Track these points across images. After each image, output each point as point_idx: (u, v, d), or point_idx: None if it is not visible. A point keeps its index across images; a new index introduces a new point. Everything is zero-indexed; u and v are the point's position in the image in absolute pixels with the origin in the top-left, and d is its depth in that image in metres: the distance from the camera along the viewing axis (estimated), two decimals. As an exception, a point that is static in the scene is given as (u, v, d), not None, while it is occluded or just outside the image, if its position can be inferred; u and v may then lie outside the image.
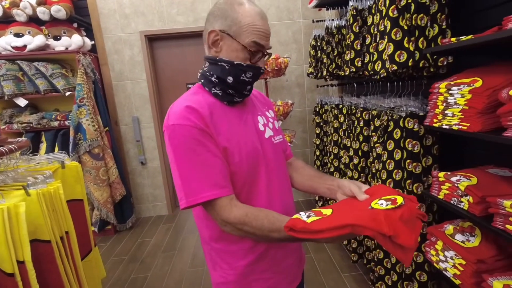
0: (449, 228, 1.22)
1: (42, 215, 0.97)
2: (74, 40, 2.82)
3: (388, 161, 1.57)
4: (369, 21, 1.68)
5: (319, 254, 2.42)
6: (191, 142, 0.70)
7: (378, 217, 0.56)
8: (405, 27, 1.34)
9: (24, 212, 0.88)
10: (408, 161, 1.47)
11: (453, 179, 1.13)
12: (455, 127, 1.09)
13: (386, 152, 1.60)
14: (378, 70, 1.49)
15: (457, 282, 1.11)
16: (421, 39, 1.34)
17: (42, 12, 2.70)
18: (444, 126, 1.16)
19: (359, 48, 1.83)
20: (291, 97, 3.32)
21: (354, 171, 2.03)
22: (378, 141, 1.70)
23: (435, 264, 1.24)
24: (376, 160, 1.72)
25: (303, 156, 3.49)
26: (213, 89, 0.79)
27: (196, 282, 2.20)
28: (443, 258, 1.18)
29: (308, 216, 0.61)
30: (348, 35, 1.89)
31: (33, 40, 2.69)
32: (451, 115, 1.12)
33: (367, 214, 0.58)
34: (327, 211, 0.63)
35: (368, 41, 1.70)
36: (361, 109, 1.96)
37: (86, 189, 2.75)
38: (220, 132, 0.74)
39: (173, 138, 0.71)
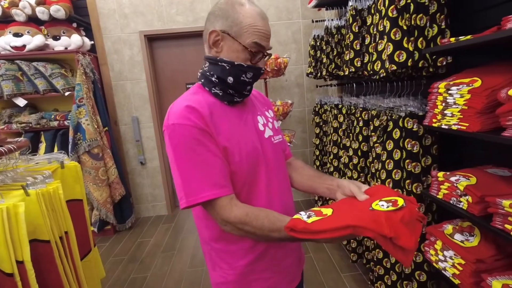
0: (448, 228, 1.22)
1: (41, 215, 0.97)
2: (74, 40, 2.81)
3: (388, 161, 1.57)
4: (369, 21, 1.69)
5: (319, 254, 2.42)
6: (191, 141, 0.70)
7: (379, 219, 0.56)
8: (405, 27, 1.34)
9: (23, 212, 0.88)
10: (407, 161, 1.47)
11: (452, 179, 1.13)
12: (454, 127, 1.10)
13: (385, 152, 1.60)
14: (377, 70, 1.49)
15: (456, 281, 1.11)
16: (420, 39, 1.34)
17: (41, 12, 2.70)
18: (443, 126, 1.16)
19: (358, 48, 1.83)
20: (290, 97, 3.32)
21: (353, 171, 2.03)
22: (378, 141, 1.71)
23: (434, 264, 1.24)
24: (375, 160, 1.72)
25: (303, 156, 3.49)
26: (213, 89, 0.79)
27: (195, 282, 2.20)
28: (442, 258, 1.18)
29: (309, 216, 0.61)
30: (348, 35, 1.89)
31: (32, 40, 2.69)
32: (450, 115, 1.12)
33: (368, 215, 0.58)
34: (328, 211, 0.63)
35: (367, 41, 1.71)
36: (361, 109, 1.96)
37: (86, 189, 2.74)
38: (220, 131, 0.74)
39: (173, 137, 0.71)
